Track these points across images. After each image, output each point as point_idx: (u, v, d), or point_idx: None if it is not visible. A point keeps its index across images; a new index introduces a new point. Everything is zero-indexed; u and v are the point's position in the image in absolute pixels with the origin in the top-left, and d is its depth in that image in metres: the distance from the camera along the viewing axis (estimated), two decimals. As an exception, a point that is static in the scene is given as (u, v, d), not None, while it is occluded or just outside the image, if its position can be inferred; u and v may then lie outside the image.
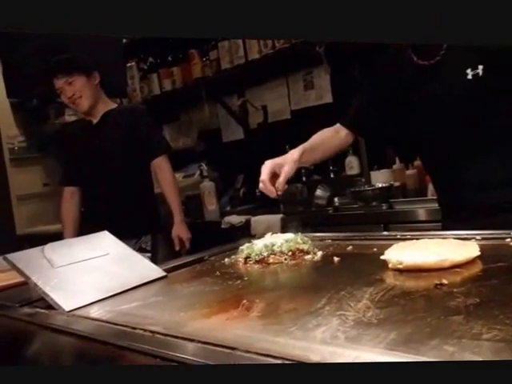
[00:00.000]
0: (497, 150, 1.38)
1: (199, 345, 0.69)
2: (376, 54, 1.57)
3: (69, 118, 4.17)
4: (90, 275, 1.12)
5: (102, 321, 0.90)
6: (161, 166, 2.57)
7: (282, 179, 1.39)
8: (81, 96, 2.43)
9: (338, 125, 1.63)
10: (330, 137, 1.62)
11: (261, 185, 1.39)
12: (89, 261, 1.18)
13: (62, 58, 2.51)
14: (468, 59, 1.34)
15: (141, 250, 2.45)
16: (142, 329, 0.79)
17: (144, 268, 1.21)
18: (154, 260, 2.39)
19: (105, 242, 1.29)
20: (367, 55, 1.55)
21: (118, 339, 0.79)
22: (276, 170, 1.41)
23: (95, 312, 0.97)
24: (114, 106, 2.61)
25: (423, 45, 1.42)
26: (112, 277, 1.13)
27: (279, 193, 1.38)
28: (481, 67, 1.32)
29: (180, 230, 2.56)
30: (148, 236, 2.52)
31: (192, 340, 0.71)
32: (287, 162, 1.43)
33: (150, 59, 4.00)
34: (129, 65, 4.05)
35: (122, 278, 1.13)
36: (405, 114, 1.52)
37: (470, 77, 1.34)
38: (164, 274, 1.20)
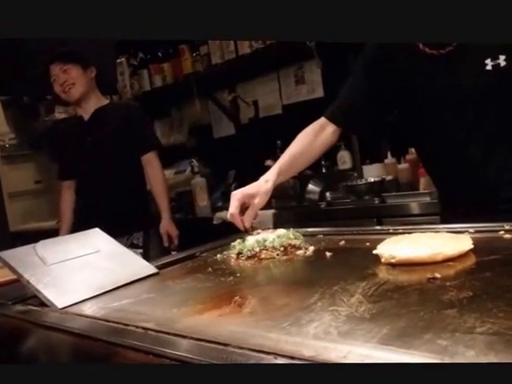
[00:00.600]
0: (508, 147, 1.30)
1: (192, 341, 0.69)
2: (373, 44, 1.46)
3: (59, 115, 4.15)
4: (83, 272, 1.12)
5: (95, 318, 0.90)
6: (150, 162, 2.58)
7: (250, 212, 1.34)
8: (74, 84, 2.43)
9: (323, 120, 1.51)
10: (311, 144, 1.48)
11: (229, 216, 1.34)
12: (81, 258, 1.17)
13: (62, 49, 2.50)
14: (487, 49, 1.25)
15: (132, 246, 2.46)
16: (134, 325, 0.79)
17: (136, 265, 1.21)
18: (146, 256, 2.39)
19: (96, 239, 1.29)
20: (360, 47, 1.49)
21: (110, 336, 0.78)
22: (246, 201, 1.35)
23: (88, 309, 0.96)
24: (106, 102, 2.61)
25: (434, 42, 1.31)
26: (104, 274, 1.13)
27: (247, 225, 1.32)
28: (502, 57, 1.23)
29: (169, 227, 2.58)
30: (140, 232, 2.52)
31: (184, 336, 0.70)
32: (259, 193, 1.36)
33: (140, 55, 3.98)
34: (119, 61, 4.03)
35: (114, 274, 1.13)
36: (407, 108, 1.43)
37: (489, 67, 1.25)
38: (156, 270, 1.19)
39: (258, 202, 1.35)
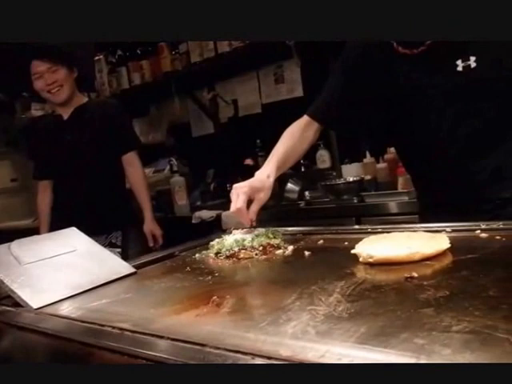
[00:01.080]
0: (487, 147, 1.31)
1: (168, 341, 0.68)
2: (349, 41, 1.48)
3: (35, 112, 4.08)
4: (58, 272, 1.10)
5: (71, 318, 0.88)
6: (131, 162, 2.56)
7: (256, 208, 1.31)
8: (62, 85, 2.40)
9: (306, 118, 1.52)
10: (299, 140, 1.49)
11: (235, 210, 1.29)
12: (57, 257, 1.15)
13: (49, 44, 2.45)
14: (458, 50, 1.26)
15: (111, 246, 2.44)
16: (110, 326, 0.78)
17: (113, 264, 1.19)
18: (125, 255, 2.37)
19: (73, 238, 1.27)
20: (339, 46, 1.49)
21: (85, 337, 0.77)
22: (251, 196, 1.32)
23: (64, 309, 0.94)
24: (85, 100, 2.58)
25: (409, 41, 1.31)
26: (80, 273, 1.11)
27: (254, 222, 1.29)
28: (473, 58, 1.25)
29: (152, 226, 2.57)
30: (118, 231, 2.50)
31: (161, 337, 0.69)
32: (265, 188, 1.34)
33: (119, 52, 3.93)
34: (97, 58, 3.98)
35: (90, 274, 1.11)
36: (386, 107, 1.44)
37: (460, 68, 1.27)
38: (133, 270, 1.18)
39: (263, 197, 1.33)
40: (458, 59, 1.27)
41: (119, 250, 2.45)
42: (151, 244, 2.56)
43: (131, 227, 2.57)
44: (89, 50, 3.66)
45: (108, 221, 2.47)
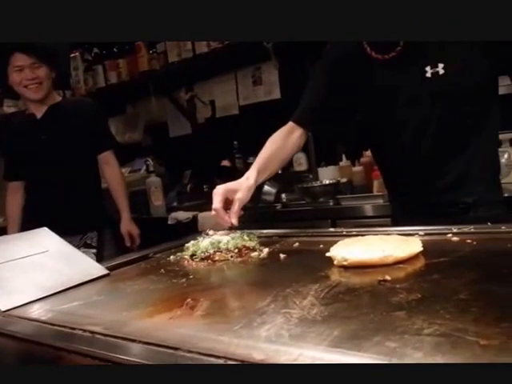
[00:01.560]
0: (452, 152, 1.36)
1: (140, 345, 0.67)
2: (327, 46, 1.52)
3: (8, 109, 3.99)
4: (28, 273, 1.08)
5: (40, 321, 0.86)
6: (108, 161, 2.54)
7: (235, 208, 1.30)
8: (41, 83, 2.36)
9: (290, 124, 1.54)
10: (283, 146, 1.50)
11: (213, 212, 1.31)
12: (27, 258, 1.13)
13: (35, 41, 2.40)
14: (427, 57, 1.31)
15: (86, 246, 2.41)
16: (81, 329, 0.76)
17: (85, 266, 1.17)
18: (100, 257, 2.34)
19: (44, 238, 1.24)
20: (317, 50, 1.51)
21: (55, 340, 0.76)
22: (229, 197, 1.32)
23: (33, 312, 0.92)
24: (59, 99, 2.54)
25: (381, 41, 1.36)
26: (51, 275, 1.09)
27: (234, 222, 1.28)
28: (441, 65, 1.29)
29: (129, 226, 2.56)
30: (94, 232, 2.46)
31: (133, 340, 0.68)
32: (241, 188, 1.34)
33: (95, 50, 3.88)
34: (72, 55, 3.92)
35: (62, 275, 1.09)
36: (363, 110, 1.48)
37: (429, 74, 1.31)
38: (106, 271, 1.16)
39: (241, 196, 1.32)
40: (427, 65, 1.31)
41: (94, 250, 2.42)
42: (128, 244, 2.54)
43: (107, 228, 2.54)
44: (64, 47, 3.61)
45: (83, 221, 2.43)
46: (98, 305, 0.94)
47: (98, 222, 2.51)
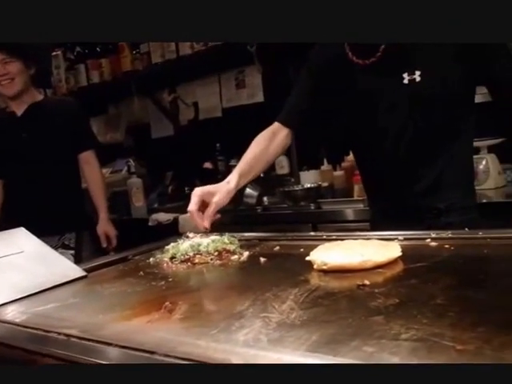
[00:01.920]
0: (427, 157, 1.38)
1: (117, 349, 0.66)
2: (311, 49, 1.55)
3: (-13, 106, 3.93)
4: (3, 274, 1.06)
5: (14, 323, 0.85)
6: (88, 161, 2.51)
7: (209, 211, 1.29)
8: (13, 79, 2.32)
9: (276, 124, 1.54)
10: (267, 147, 1.50)
11: (188, 214, 1.30)
12: (2, 258, 1.11)
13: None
14: (404, 64, 1.34)
15: (64, 247, 2.38)
16: (56, 332, 0.75)
17: (62, 267, 1.15)
18: (78, 258, 2.32)
19: (20, 238, 1.22)
20: (300, 54, 1.52)
21: (29, 343, 0.74)
22: (206, 199, 1.31)
23: (7, 314, 0.91)
24: (41, 97, 2.51)
25: (361, 43, 1.38)
26: (27, 276, 1.07)
27: (206, 225, 1.27)
28: (418, 72, 1.32)
29: (106, 227, 2.53)
30: (72, 233, 2.43)
31: (109, 344, 0.67)
32: (219, 191, 1.33)
33: (78, 49, 3.84)
34: (54, 54, 3.88)
35: (38, 277, 1.07)
36: (340, 113, 1.51)
37: (406, 81, 1.34)
38: (84, 273, 1.14)
39: (217, 200, 1.31)
40: (404, 72, 1.34)
41: (72, 252, 2.40)
42: (105, 245, 2.52)
43: (86, 229, 2.51)
44: (46, 45, 3.56)
45: (61, 221, 2.40)
46: (74, 307, 0.92)
47: (76, 222, 2.48)
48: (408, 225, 1.25)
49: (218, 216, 1.34)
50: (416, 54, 1.33)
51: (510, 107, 1.37)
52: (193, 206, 1.29)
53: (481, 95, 1.70)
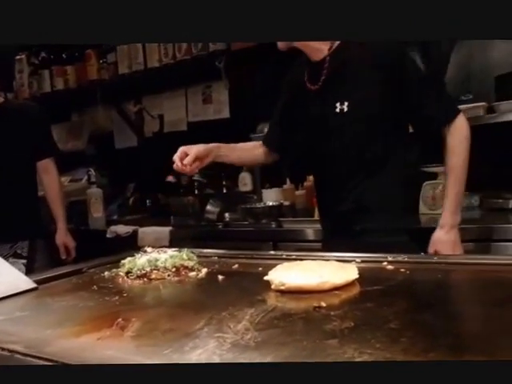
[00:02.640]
0: (353, 179, 1.50)
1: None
2: (280, 70, 1.66)
3: None
4: None
5: (-45, 337, 0.80)
6: (47, 169, 2.45)
7: (189, 157, 1.53)
8: None
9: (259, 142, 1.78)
10: (252, 149, 1.78)
11: (174, 165, 1.54)
12: None
13: None
14: (338, 94, 1.47)
15: (16, 256, 2.30)
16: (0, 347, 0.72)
17: (12, 278, 1.10)
18: (30, 268, 2.24)
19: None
20: (267, 72, 1.60)
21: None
22: (187, 151, 1.55)
23: (-52, 327, 0.86)
24: (1, 100, 2.43)
25: (314, 69, 1.51)
26: (-27, 287, 1.02)
27: (186, 169, 1.52)
28: (346, 103, 1.44)
29: (65, 238, 2.47)
30: (25, 241, 2.34)
31: (55, 362, 0.65)
32: (199, 145, 1.57)
33: (43, 54, 3.77)
34: (18, 57, 3.79)
35: (-16, 288, 1.02)
36: (295, 134, 1.65)
37: (337, 110, 1.46)
38: (34, 285, 1.10)
39: (195, 150, 1.56)
40: (337, 102, 1.47)
41: (24, 261, 2.31)
42: (64, 256, 2.46)
43: (40, 238, 2.43)
44: (9, 48, 3.48)
45: (14, 229, 2.32)
46: (21, 321, 0.88)
47: (30, 230, 2.39)
48: (339, 243, 1.40)
49: (197, 164, 1.56)
50: (348, 86, 1.46)
51: (427, 139, 1.58)
52: (176, 155, 1.54)
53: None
